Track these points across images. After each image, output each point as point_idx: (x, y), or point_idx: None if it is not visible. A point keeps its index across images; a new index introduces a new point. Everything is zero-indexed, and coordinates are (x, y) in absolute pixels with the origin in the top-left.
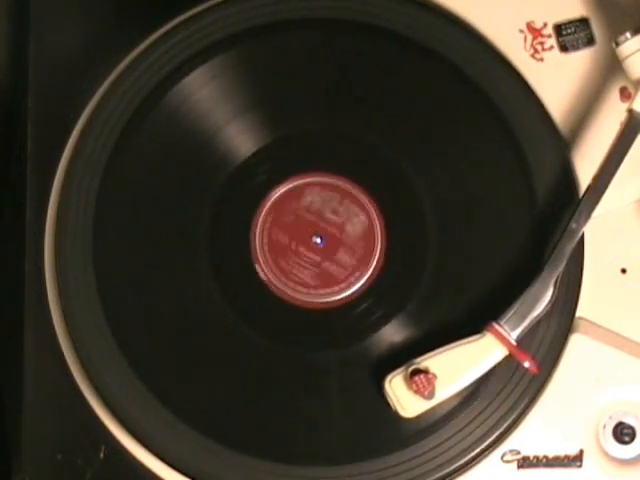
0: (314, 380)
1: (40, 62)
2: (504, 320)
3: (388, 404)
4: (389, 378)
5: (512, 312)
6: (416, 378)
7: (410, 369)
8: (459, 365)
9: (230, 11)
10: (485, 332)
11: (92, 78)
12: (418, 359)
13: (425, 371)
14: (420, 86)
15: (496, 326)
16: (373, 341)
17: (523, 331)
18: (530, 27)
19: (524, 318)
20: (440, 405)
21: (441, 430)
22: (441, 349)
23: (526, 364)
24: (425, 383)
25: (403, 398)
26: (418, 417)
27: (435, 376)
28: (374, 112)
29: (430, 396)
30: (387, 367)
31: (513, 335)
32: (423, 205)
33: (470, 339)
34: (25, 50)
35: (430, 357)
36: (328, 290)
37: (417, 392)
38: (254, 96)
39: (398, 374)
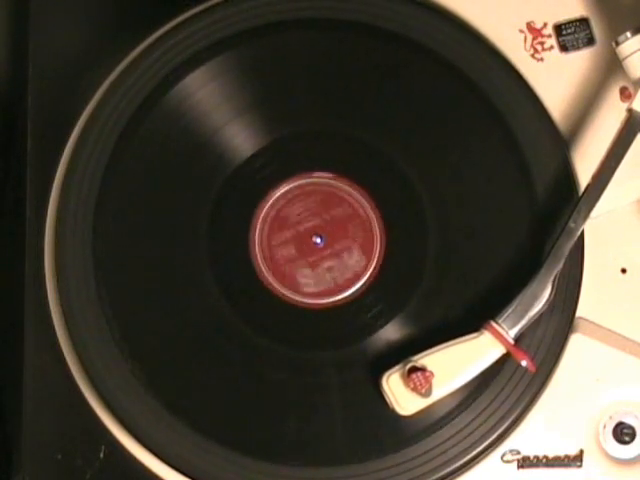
0: (314, 380)
1: (40, 62)
2: (502, 318)
3: (385, 401)
4: (386, 375)
5: (510, 310)
6: (413, 376)
7: (407, 367)
8: (456, 363)
9: (230, 11)
10: (483, 330)
11: (92, 78)
12: (416, 357)
13: (422, 369)
14: (420, 86)
15: (494, 324)
16: (373, 341)
17: (521, 330)
18: (530, 27)
19: (522, 317)
20: (440, 405)
21: (441, 430)
22: (439, 347)
23: (523, 363)
24: (422, 381)
25: (400, 396)
26: (416, 415)
27: (432, 374)
28: (374, 112)
29: (427, 394)
30: (387, 367)
31: (511, 333)
32: (422, 205)
33: (468, 337)
34: (25, 50)
35: (428, 355)
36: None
37: (414, 390)
38: (254, 96)
39: (395, 372)
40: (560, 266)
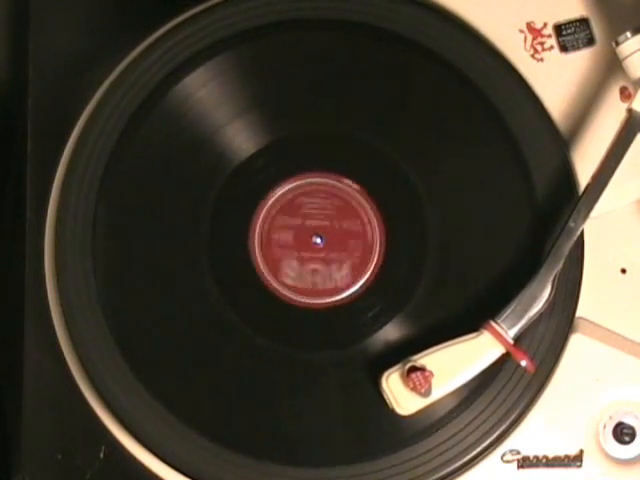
0: (314, 380)
1: (40, 62)
2: (501, 318)
3: (385, 401)
4: (386, 375)
5: (509, 310)
6: (413, 375)
7: (407, 366)
8: (456, 363)
9: (230, 11)
10: (482, 330)
11: (92, 78)
12: (415, 356)
13: (422, 368)
14: (420, 86)
15: (493, 324)
16: (373, 341)
17: (520, 329)
18: (530, 27)
19: (521, 317)
20: (440, 405)
21: (441, 430)
22: (438, 347)
23: (523, 363)
24: (422, 380)
25: (400, 395)
26: (415, 415)
27: (432, 374)
28: (374, 112)
29: (427, 394)
30: (387, 367)
31: (510, 333)
32: (422, 205)
33: (467, 337)
34: (25, 50)
35: (427, 354)
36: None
37: (414, 389)
38: (254, 96)
39: (395, 371)
40: (560, 266)
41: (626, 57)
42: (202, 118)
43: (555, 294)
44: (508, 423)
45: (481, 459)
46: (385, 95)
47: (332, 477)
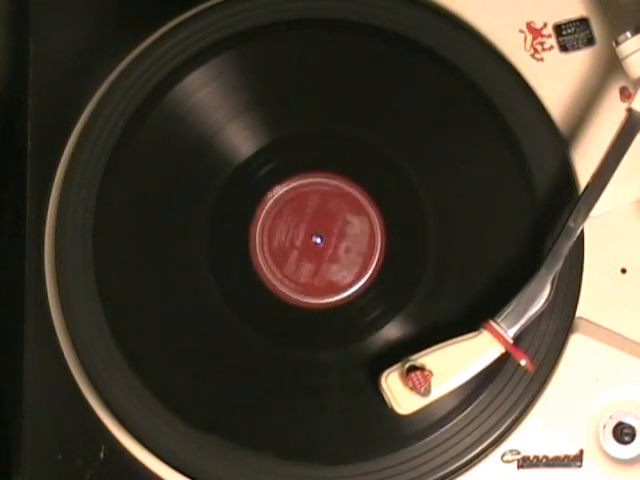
0: (314, 380)
1: (40, 62)
2: (501, 318)
3: (384, 401)
4: (385, 374)
5: (509, 310)
6: (412, 375)
7: (406, 366)
8: (455, 362)
9: (230, 11)
10: (481, 329)
11: (92, 78)
12: (414, 356)
13: (421, 368)
14: (420, 86)
15: (493, 324)
16: (373, 341)
17: (520, 329)
18: (530, 27)
19: (521, 316)
20: (440, 404)
21: (441, 430)
22: (438, 346)
23: (522, 362)
24: (421, 380)
25: (399, 394)
26: (415, 415)
27: (431, 373)
28: (374, 112)
29: (426, 393)
30: (387, 366)
31: (510, 333)
32: (423, 205)
33: (467, 336)
34: (25, 50)
35: (426, 354)
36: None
37: (413, 389)
38: (254, 96)
39: (394, 371)
40: (559, 266)
41: (626, 57)
42: (202, 118)
43: (555, 294)
44: (508, 423)
45: (481, 459)
46: (385, 95)
47: (331, 476)
